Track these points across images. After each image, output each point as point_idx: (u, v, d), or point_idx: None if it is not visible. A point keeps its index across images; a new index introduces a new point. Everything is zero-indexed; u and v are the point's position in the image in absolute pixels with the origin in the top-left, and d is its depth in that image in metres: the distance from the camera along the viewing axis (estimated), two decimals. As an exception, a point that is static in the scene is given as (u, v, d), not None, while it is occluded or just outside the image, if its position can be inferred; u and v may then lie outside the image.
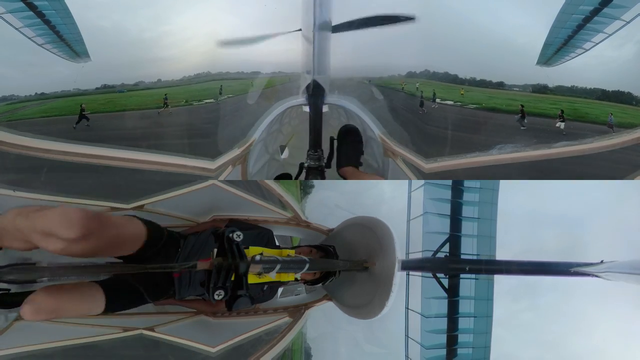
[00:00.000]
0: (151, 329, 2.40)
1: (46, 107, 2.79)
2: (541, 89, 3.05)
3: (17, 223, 1.77)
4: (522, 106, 3.08)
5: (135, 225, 2.00)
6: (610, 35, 2.89)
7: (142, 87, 2.86)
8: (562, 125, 3.01)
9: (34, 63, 2.75)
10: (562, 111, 3.02)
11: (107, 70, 2.79)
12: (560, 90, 3.03)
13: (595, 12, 2.90)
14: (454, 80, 3.12)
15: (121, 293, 2.07)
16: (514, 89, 3.09)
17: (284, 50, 2.82)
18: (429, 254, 5.35)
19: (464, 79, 3.10)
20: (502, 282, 5.49)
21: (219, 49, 2.82)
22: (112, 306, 2.02)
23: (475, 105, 3.15)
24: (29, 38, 2.69)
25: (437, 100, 3.17)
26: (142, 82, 2.84)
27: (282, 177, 2.60)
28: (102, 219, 1.80)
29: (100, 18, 2.72)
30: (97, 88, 2.82)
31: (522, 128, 3.08)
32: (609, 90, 2.97)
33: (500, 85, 3.08)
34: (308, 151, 2.63)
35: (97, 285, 1.99)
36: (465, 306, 5.73)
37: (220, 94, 2.98)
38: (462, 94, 3.14)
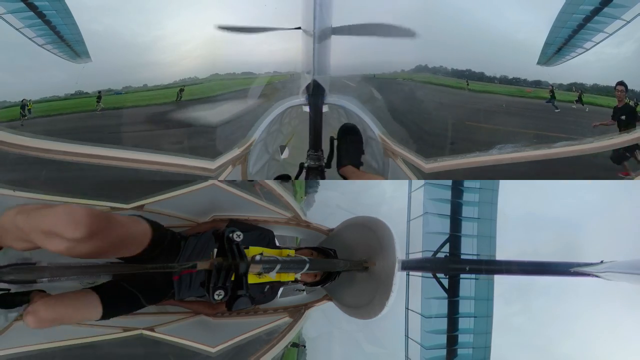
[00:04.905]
0: (151, 329, 2.40)
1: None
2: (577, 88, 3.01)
3: (18, 222, 1.74)
4: None
5: (141, 225, 1.97)
6: (610, 34, 2.89)
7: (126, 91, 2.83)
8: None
9: (30, 67, 2.74)
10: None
11: (99, 76, 2.76)
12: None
13: (596, 11, 2.91)
14: (480, 78, 3.04)
15: (118, 298, 2.10)
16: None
17: (281, 50, 2.81)
18: (429, 254, 5.35)
19: (492, 77, 3.04)
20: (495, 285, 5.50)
21: (215, 50, 2.80)
22: (110, 312, 2.07)
23: None
24: (30, 39, 2.69)
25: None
26: (129, 86, 2.81)
27: (282, 177, 2.59)
28: (109, 219, 1.77)
29: (92, 22, 2.71)
30: (72, 94, 2.77)
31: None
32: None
33: (537, 83, 3.01)
34: (308, 151, 2.63)
35: (93, 292, 2.03)
36: (465, 306, 5.73)
37: (98, 102, 2.79)
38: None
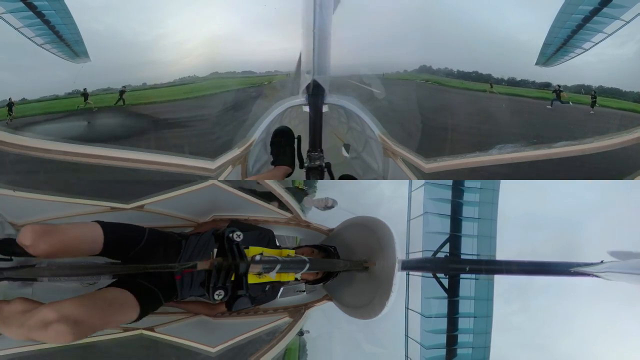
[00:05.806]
0: (151, 329, 2.40)
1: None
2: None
3: None
4: None
5: (90, 228, 2.04)
6: (609, 35, 2.89)
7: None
8: None
9: (30, 66, 2.73)
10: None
11: (99, 75, 2.74)
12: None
13: (595, 12, 2.90)
14: (487, 80, 2.99)
15: (150, 297, 2.07)
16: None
17: (280, 49, 2.81)
18: (429, 254, 5.34)
19: (500, 79, 3.00)
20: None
21: (216, 49, 2.78)
22: (144, 311, 2.03)
23: None
24: (29, 38, 2.68)
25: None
26: (129, 85, 2.79)
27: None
28: (53, 227, 1.94)
29: (93, 21, 2.70)
30: (69, 93, 2.74)
31: None
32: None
33: (546, 85, 2.98)
34: (308, 151, 2.63)
35: (125, 290, 1.99)
36: (465, 306, 5.73)
37: (86, 101, 2.70)
38: None
